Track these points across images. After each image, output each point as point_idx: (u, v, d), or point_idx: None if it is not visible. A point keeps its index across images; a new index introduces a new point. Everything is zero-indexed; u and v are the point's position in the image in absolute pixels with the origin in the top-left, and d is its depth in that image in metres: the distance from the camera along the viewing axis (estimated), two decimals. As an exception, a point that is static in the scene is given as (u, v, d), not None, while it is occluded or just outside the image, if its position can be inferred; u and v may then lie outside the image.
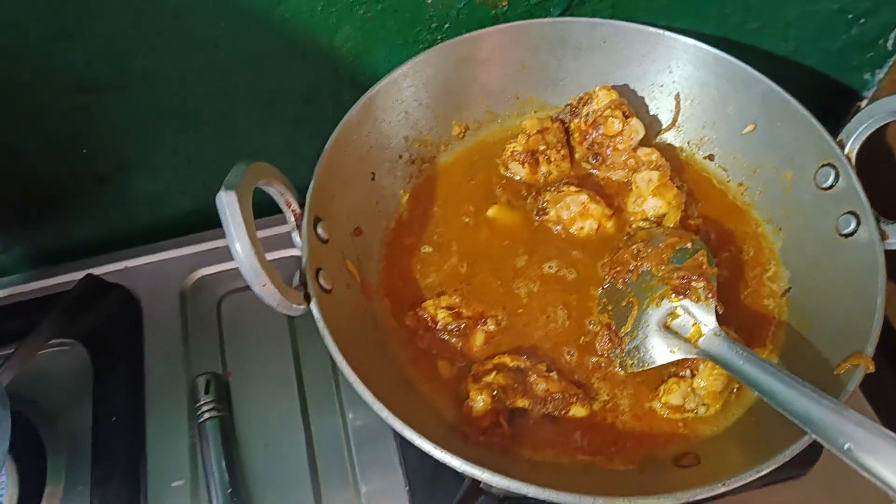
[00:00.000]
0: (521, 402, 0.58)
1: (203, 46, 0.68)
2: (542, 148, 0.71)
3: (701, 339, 0.57)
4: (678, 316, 0.58)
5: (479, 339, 0.63)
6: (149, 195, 0.82)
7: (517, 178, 0.73)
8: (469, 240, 0.69)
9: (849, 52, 0.87)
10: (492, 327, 0.63)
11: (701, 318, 0.57)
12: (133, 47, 0.66)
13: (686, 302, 0.58)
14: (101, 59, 0.66)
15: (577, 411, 0.59)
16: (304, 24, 0.68)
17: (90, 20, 0.63)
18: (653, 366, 0.58)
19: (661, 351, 0.58)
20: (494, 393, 0.57)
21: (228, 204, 0.48)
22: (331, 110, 0.77)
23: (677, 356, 0.57)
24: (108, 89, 0.69)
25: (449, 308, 0.64)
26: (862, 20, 0.82)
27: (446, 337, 0.63)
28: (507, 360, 0.60)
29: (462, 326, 0.63)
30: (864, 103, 0.89)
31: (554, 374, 0.60)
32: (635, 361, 0.59)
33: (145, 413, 0.71)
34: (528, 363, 0.60)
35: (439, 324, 0.63)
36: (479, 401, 0.57)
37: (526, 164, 0.71)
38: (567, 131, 0.73)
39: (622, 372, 0.61)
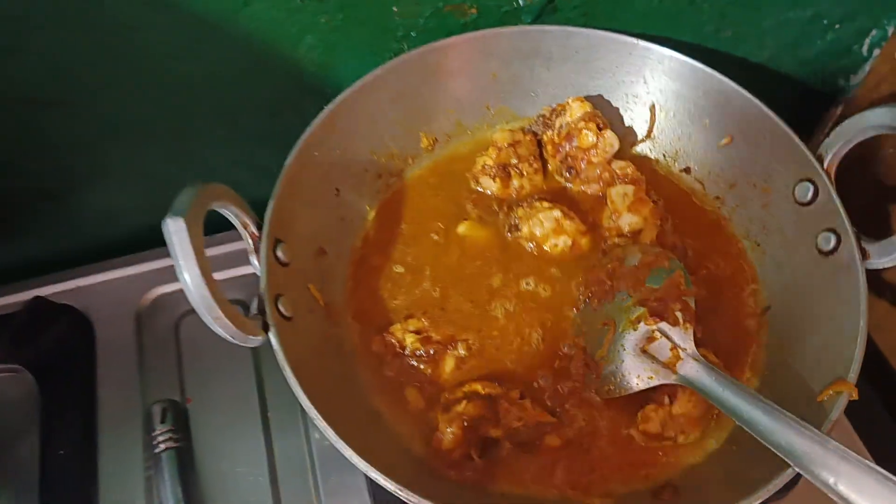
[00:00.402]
0: (494, 432, 0.56)
1: (159, 60, 0.64)
2: (513, 161, 0.68)
3: (679, 365, 0.54)
4: (656, 339, 0.56)
5: (449, 364, 0.60)
6: (101, 212, 0.78)
7: (488, 192, 0.70)
8: (439, 259, 0.66)
9: (824, 59, 0.85)
10: (462, 352, 0.61)
11: (679, 342, 0.55)
12: (81, 61, 0.62)
13: (663, 325, 0.56)
14: (47, 73, 0.62)
15: (552, 441, 0.56)
16: (266, 34, 0.65)
17: (35, 33, 0.59)
18: (630, 392, 0.56)
19: (638, 376, 0.56)
20: (465, 423, 0.55)
21: (176, 232, 0.45)
22: (296, 124, 0.73)
23: (655, 382, 0.55)
24: (56, 104, 0.65)
25: (417, 332, 0.61)
26: (837, 26, 0.81)
27: (415, 363, 0.60)
28: (478, 387, 0.58)
29: (431, 352, 0.60)
30: (838, 109, 0.88)
31: (527, 402, 0.57)
32: (612, 387, 0.57)
33: (97, 444, 0.67)
34: (500, 390, 0.58)
35: (407, 349, 0.60)
36: (449, 433, 0.54)
37: (497, 179, 0.68)
38: (540, 144, 0.71)
39: (598, 398, 0.58)
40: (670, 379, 0.54)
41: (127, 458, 0.66)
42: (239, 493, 0.65)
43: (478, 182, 0.70)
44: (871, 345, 0.52)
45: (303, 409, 0.67)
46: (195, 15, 0.61)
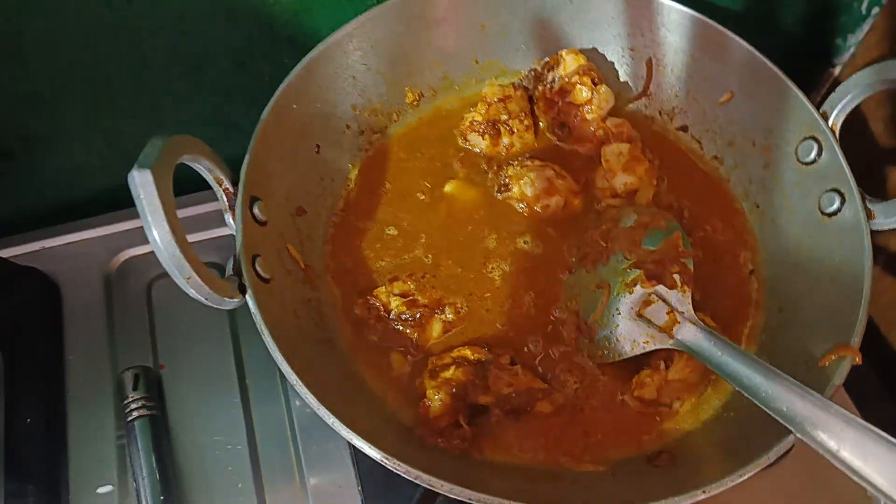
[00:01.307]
0: (483, 399, 0.53)
1: (111, 3, 0.59)
2: (503, 118, 0.65)
3: (676, 329, 0.52)
4: (652, 303, 0.54)
5: (436, 328, 0.58)
6: (62, 172, 0.74)
7: (476, 150, 0.67)
8: (426, 219, 0.63)
9: (822, 17, 0.83)
10: (450, 316, 0.58)
11: (676, 305, 0.53)
12: (25, 5, 0.57)
13: (660, 288, 0.54)
14: None
15: (543, 407, 0.54)
16: (234, -25, 0.60)
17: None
18: (624, 357, 0.54)
19: (633, 341, 0.54)
20: (453, 390, 0.52)
21: (143, 185, 0.42)
22: (267, 77, 0.70)
23: (651, 347, 0.53)
24: (1, 52, 0.60)
25: (403, 295, 0.58)
26: (835, -19, 0.78)
27: (400, 327, 0.57)
28: (467, 352, 0.55)
29: (417, 315, 0.57)
30: (836, 69, 0.86)
31: (518, 368, 0.55)
32: (606, 352, 0.55)
33: (66, 413, 0.64)
34: (489, 355, 0.55)
35: (392, 313, 0.57)
36: (437, 399, 0.52)
37: (486, 136, 0.65)
38: (531, 99, 0.68)
39: (591, 363, 0.56)
40: (667, 343, 0.52)
41: (98, 427, 0.63)
42: (216, 462, 0.62)
43: (466, 139, 0.67)
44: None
45: (282, 376, 0.66)
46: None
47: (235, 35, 0.65)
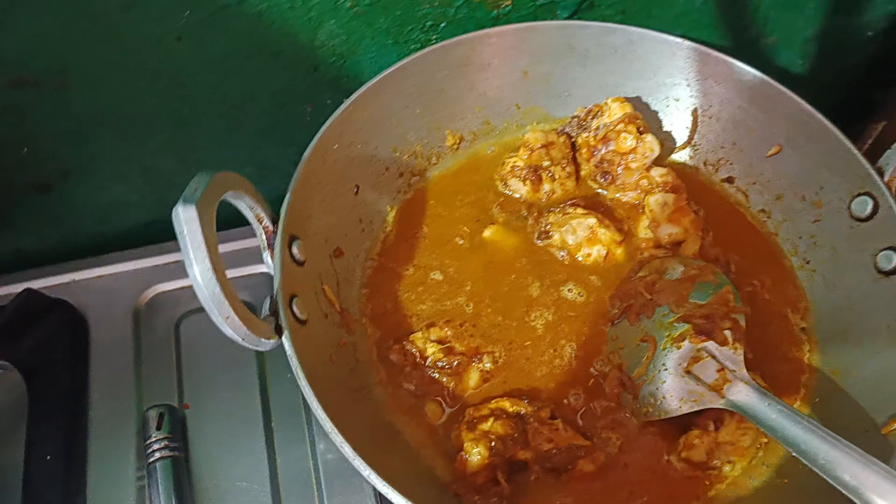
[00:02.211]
0: (522, 455, 0.51)
1: (159, 42, 0.60)
2: (545, 164, 0.64)
3: (727, 388, 0.50)
4: (701, 359, 0.51)
5: (473, 378, 0.56)
6: (97, 206, 0.74)
7: (517, 195, 0.66)
8: (468, 265, 0.62)
9: (862, 70, 0.82)
10: (488, 365, 0.56)
11: (727, 363, 0.51)
12: (75, 39, 0.58)
13: (710, 344, 0.51)
14: (37, 52, 0.58)
15: (585, 466, 0.52)
16: (281, 18, 0.61)
17: (24, 6, 0.54)
18: (671, 415, 0.52)
19: (680, 398, 0.51)
20: (492, 444, 0.50)
21: (187, 221, 0.41)
22: (308, 117, 0.70)
23: (699, 406, 0.51)
24: (46, 87, 0.61)
25: (440, 342, 0.56)
26: (880, 37, 0.77)
27: (436, 375, 0.55)
28: (505, 404, 0.53)
29: (455, 364, 0.55)
30: (879, 125, 0.84)
31: (559, 422, 0.52)
32: (651, 409, 0.52)
33: (87, 451, 0.63)
34: (529, 408, 0.53)
35: (428, 360, 0.56)
36: (475, 454, 0.50)
37: (528, 181, 0.64)
38: (573, 146, 0.67)
39: (635, 420, 0.54)
40: (717, 403, 0.50)
41: (118, 467, 0.62)
42: (238, 508, 0.60)
43: (506, 184, 0.66)
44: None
45: (308, 421, 0.64)
46: (202, -8, 0.57)
47: (278, 76, 0.65)
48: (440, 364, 0.56)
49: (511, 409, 0.53)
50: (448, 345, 0.56)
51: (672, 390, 0.52)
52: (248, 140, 0.71)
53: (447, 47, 0.64)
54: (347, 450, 0.44)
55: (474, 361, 0.56)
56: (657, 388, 0.52)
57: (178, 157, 0.70)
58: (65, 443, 0.63)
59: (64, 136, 0.66)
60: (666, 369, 0.52)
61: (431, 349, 0.56)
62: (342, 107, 0.59)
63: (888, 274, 0.53)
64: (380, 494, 0.59)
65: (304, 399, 0.65)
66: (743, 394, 0.49)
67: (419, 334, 0.57)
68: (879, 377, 0.51)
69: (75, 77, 0.60)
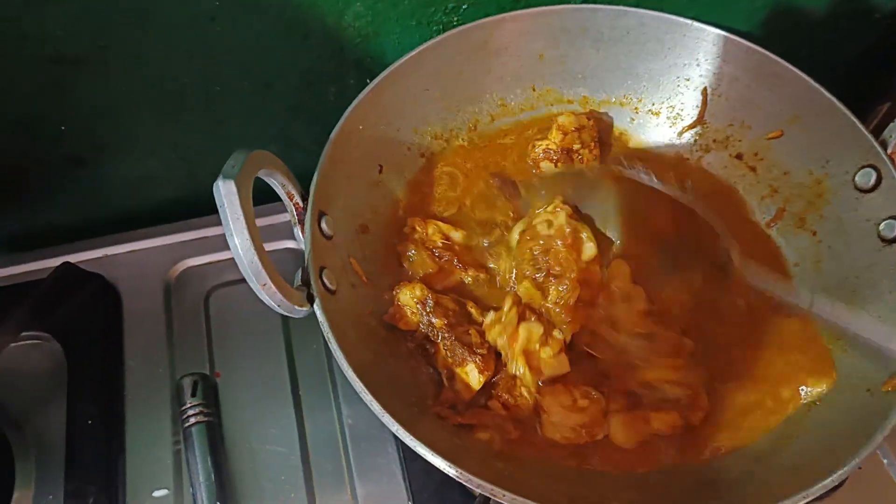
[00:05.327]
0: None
1: (196, 21, 0.62)
2: (576, 147, 0.67)
3: None
4: None
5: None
6: (129, 180, 0.77)
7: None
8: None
9: (871, 54, 0.84)
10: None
11: None
12: (116, 17, 0.60)
13: None
14: (79, 30, 0.60)
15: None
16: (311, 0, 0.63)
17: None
18: None
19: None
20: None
21: (227, 195, 0.44)
22: (333, 97, 0.72)
23: None
24: (86, 63, 0.63)
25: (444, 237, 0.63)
26: (888, 19, 0.79)
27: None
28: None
29: (445, 258, 0.62)
30: (884, 106, 0.86)
31: None
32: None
33: (125, 416, 0.66)
34: None
35: (427, 241, 0.62)
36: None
37: (559, 164, 0.67)
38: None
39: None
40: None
41: (155, 431, 0.65)
42: (269, 470, 0.63)
43: (538, 166, 0.69)
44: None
45: (334, 386, 0.68)
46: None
47: (306, 56, 0.68)
48: (435, 252, 0.63)
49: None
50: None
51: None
52: (275, 118, 0.74)
53: (466, 31, 0.65)
54: (376, 407, 0.47)
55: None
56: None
57: (208, 134, 0.73)
58: (103, 408, 0.66)
59: (99, 112, 0.68)
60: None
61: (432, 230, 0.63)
62: (367, 89, 0.61)
63: (891, 242, 0.56)
64: (405, 456, 0.62)
65: (329, 367, 0.69)
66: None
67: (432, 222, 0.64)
68: (881, 341, 0.54)
69: (113, 55, 0.63)
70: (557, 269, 0.59)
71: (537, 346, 0.56)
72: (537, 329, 0.56)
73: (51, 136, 0.69)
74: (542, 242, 0.60)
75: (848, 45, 0.81)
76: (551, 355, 0.56)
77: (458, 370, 0.56)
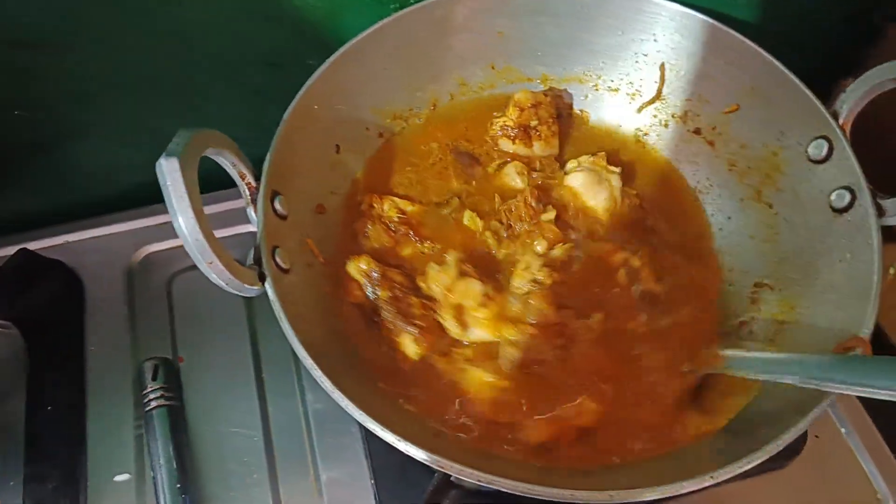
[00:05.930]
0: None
1: (164, 4, 0.61)
2: (533, 123, 0.67)
3: None
4: None
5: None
6: (95, 167, 0.76)
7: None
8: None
9: (840, 28, 0.83)
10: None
11: None
12: (90, 3, 0.60)
13: None
14: (45, 13, 0.59)
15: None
16: (269, -23, 0.62)
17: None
18: None
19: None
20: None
21: (170, 172, 0.44)
22: (296, 78, 0.71)
23: None
24: (50, 47, 0.62)
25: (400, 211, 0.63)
26: (856, -4, 0.79)
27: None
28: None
29: (402, 231, 0.62)
30: (849, 81, 0.86)
31: None
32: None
33: (86, 402, 0.66)
34: None
35: (384, 216, 0.63)
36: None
37: (517, 141, 0.67)
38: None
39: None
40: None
41: (117, 416, 0.65)
42: (233, 453, 0.64)
43: (496, 144, 0.69)
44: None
45: (298, 370, 0.67)
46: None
47: (269, 37, 0.67)
48: (391, 225, 0.63)
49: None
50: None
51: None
52: (243, 100, 0.73)
53: (425, 8, 0.65)
54: (327, 384, 0.47)
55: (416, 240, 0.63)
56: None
57: (173, 119, 0.72)
58: (65, 395, 0.66)
59: (63, 98, 0.67)
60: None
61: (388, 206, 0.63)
62: (321, 68, 0.61)
63: (841, 212, 0.56)
64: (367, 436, 0.62)
65: (293, 351, 0.69)
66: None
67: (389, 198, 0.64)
68: (833, 311, 0.54)
69: (81, 39, 0.62)
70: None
71: (471, 302, 0.56)
72: (476, 287, 0.57)
73: (12, 121, 0.68)
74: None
75: (816, 17, 0.81)
76: (483, 317, 0.56)
77: (397, 340, 0.56)
